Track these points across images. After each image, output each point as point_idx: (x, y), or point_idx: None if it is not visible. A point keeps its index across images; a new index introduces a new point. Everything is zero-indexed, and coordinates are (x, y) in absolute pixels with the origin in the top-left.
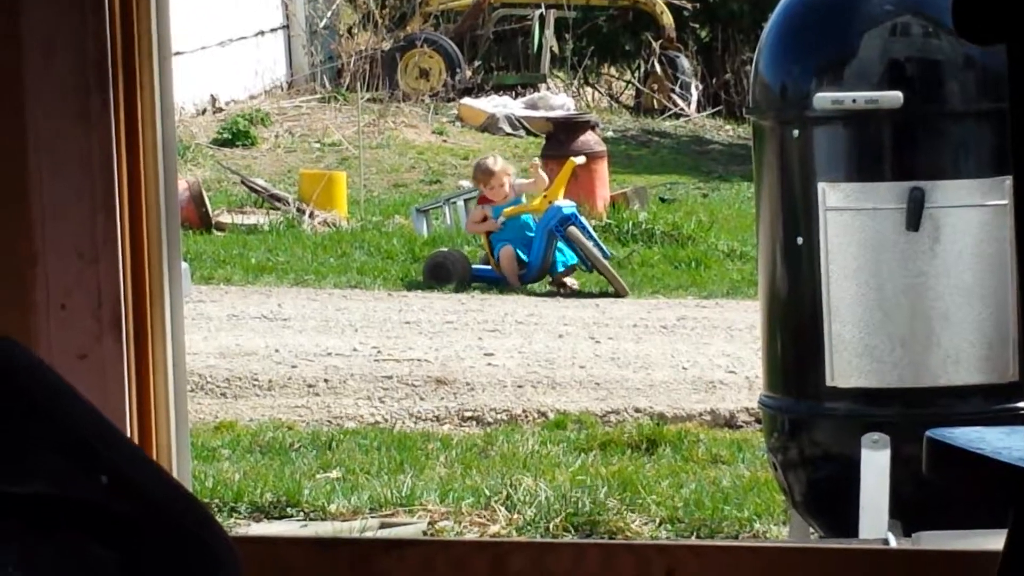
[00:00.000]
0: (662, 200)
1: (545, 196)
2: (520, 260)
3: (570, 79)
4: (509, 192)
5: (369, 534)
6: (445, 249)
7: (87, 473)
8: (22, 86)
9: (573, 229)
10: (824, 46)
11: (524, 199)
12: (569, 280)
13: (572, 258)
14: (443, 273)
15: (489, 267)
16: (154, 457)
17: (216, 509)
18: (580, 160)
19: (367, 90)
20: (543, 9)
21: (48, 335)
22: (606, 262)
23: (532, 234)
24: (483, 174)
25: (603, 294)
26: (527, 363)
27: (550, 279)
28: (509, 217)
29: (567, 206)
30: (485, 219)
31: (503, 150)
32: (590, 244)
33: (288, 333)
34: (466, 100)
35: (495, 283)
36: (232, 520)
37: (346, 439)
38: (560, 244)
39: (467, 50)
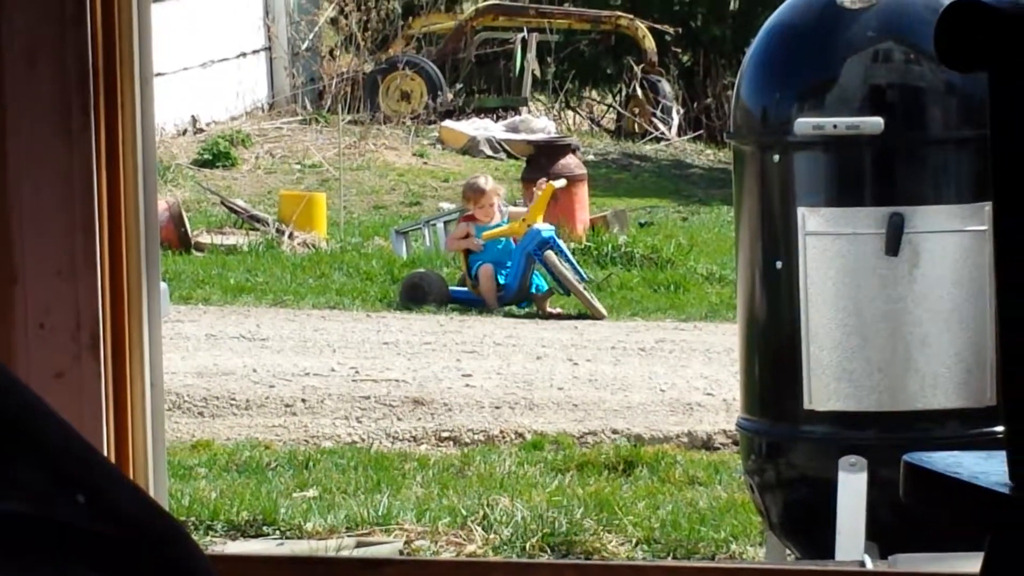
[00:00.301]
0: (641, 225)
1: (524, 219)
2: (497, 282)
3: (551, 102)
4: (496, 214)
5: (345, 553)
6: (422, 270)
7: (64, 492)
8: (4, 102)
9: (550, 253)
10: (805, 72)
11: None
12: (555, 309)
13: (544, 285)
14: (419, 294)
15: (467, 288)
16: (131, 476)
17: (192, 527)
18: (560, 183)
19: (348, 112)
20: (525, 32)
21: (26, 353)
22: (580, 287)
23: (511, 259)
24: (474, 192)
25: (581, 316)
26: (505, 384)
27: (536, 307)
28: (489, 240)
29: (546, 229)
30: (467, 236)
31: (483, 173)
32: (566, 268)
33: (266, 353)
34: (447, 123)
35: (473, 304)
36: (208, 538)
37: (323, 458)
38: (536, 277)
39: (449, 73)
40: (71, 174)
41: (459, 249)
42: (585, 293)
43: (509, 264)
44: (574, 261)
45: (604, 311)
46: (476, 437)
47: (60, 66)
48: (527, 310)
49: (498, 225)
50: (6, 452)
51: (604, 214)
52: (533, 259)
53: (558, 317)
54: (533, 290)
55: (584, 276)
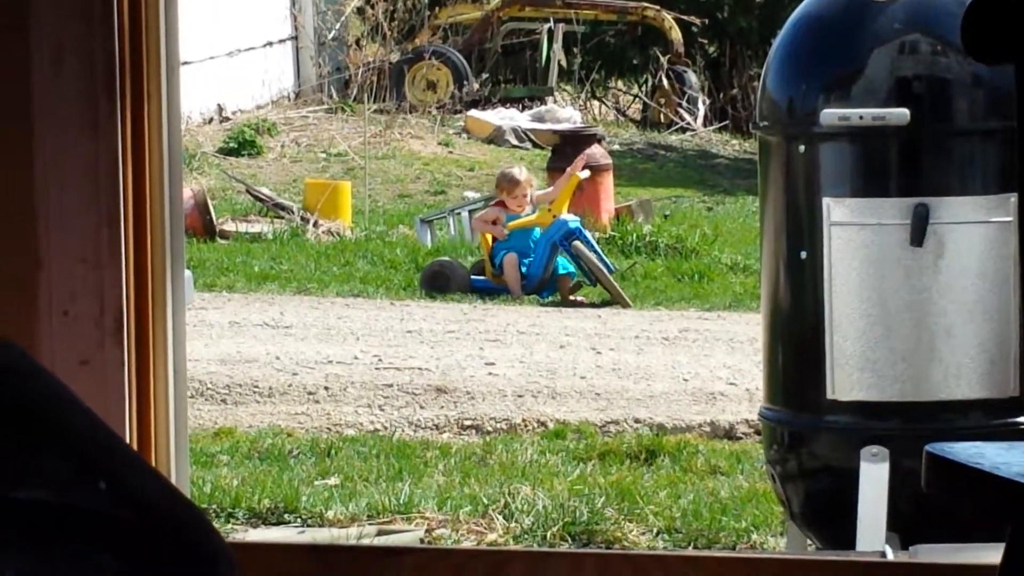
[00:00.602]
0: (665, 217)
1: (549, 210)
2: (520, 271)
3: (577, 92)
4: (528, 206)
5: (366, 541)
6: (443, 258)
7: (86, 479)
8: (30, 92)
9: (578, 243)
10: (832, 63)
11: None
12: (578, 297)
13: (568, 267)
14: (441, 281)
15: (484, 277)
16: (153, 463)
17: (214, 515)
18: (584, 174)
19: (374, 101)
20: (552, 23)
21: (51, 341)
22: (610, 276)
23: (534, 248)
24: (508, 183)
25: (605, 304)
26: (528, 373)
27: (559, 294)
28: (515, 229)
29: (572, 220)
30: (495, 222)
31: (509, 162)
32: (595, 258)
33: (289, 341)
34: (473, 112)
35: (495, 293)
36: (230, 526)
37: (345, 447)
38: (559, 258)
39: (475, 63)
40: (97, 162)
41: (484, 232)
42: (614, 283)
43: (532, 253)
44: (600, 251)
45: (630, 301)
46: (498, 426)
47: (87, 60)
48: (552, 298)
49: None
50: (31, 440)
51: (629, 204)
52: (558, 248)
53: (581, 305)
54: (561, 271)
55: (611, 267)
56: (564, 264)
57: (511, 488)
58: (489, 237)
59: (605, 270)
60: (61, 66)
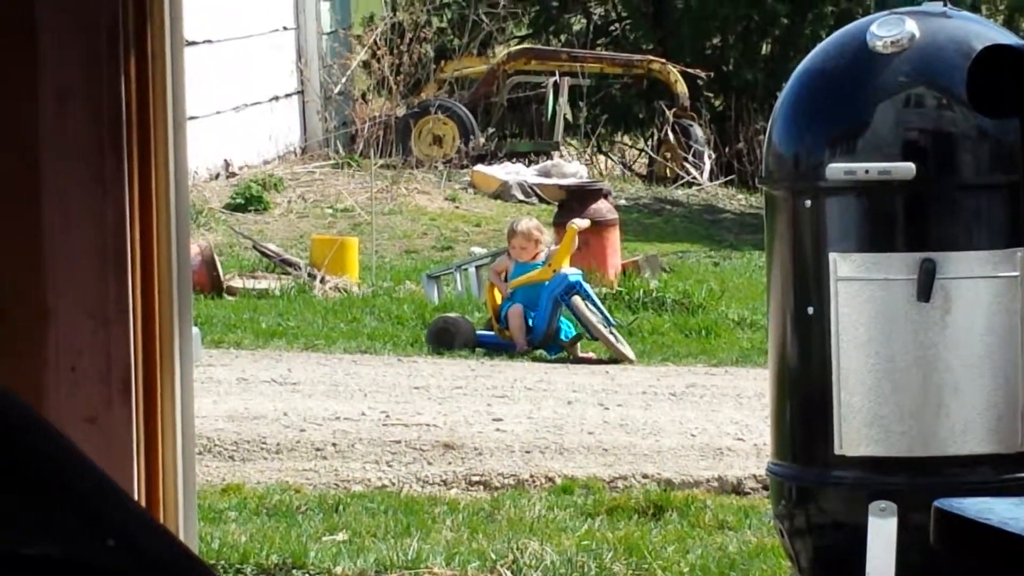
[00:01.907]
0: (663, 271)
1: (550, 265)
2: (526, 323)
3: (583, 147)
4: (537, 255)
5: None
6: (449, 314)
7: (94, 535)
8: (38, 144)
9: (577, 298)
10: (837, 117)
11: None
12: (588, 353)
13: (572, 331)
14: (447, 338)
15: (493, 332)
16: (161, 519)
17: (222, 571)
18: (583, 224)
19: (380, 156)
20: (557, 77)
21: (58, 397)
22: (606, 332)
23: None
24: (508, 233)
25: (612, 360)
26: (535, 429)
27: (567, 352)
28: (515, 288)
29: (573, 274)
30: (503, 272)
31: (515, 217)
32: (591, 313)
33: (297, 397)
34: (479, 167)
35: (502, 349)
36: None
37: (353, 502)
38: (563, 321)
39: (481, 117)
40: (104, 218)
41: (494, 283)
42: (611, 338)
43: (539, 305)
44: (601, 306)
45: (632, 355)
46: (506, 481)
47: (94, 113)
48: (558, 355)
49: (533, 266)
50: (39, 496)
51: (636, 259)
52: (560, 303)
53: (589, 362)
54: (562, 337)
55: (612, 321)
56: (566, 328)
57: (519, 544)
58: (498, 293)
59: (603, 326)
60: (66, 120)
